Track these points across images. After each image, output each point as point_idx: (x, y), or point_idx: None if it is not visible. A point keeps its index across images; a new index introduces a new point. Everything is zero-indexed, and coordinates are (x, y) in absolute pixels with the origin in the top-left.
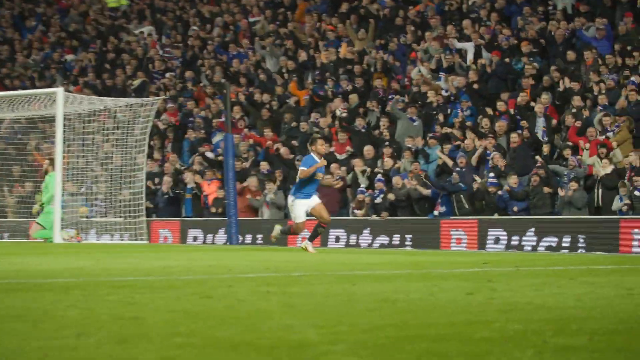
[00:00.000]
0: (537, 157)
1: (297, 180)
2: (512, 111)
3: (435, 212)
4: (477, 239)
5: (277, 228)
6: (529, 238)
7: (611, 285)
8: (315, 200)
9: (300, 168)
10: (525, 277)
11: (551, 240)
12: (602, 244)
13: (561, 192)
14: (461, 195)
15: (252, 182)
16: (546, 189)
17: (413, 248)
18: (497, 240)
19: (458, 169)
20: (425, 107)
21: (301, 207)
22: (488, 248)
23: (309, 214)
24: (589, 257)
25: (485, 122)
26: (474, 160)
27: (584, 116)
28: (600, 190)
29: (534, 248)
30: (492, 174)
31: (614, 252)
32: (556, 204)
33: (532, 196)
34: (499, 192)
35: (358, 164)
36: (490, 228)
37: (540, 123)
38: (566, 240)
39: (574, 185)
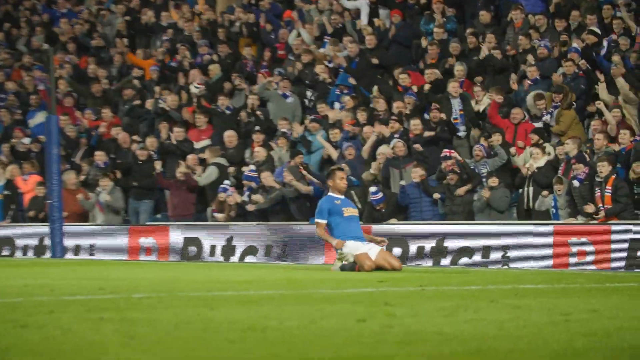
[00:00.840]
0: (449, 152)
1: (332, 233)
2: (416, 88)
3: None
4: None
5: (337, 265)
6: (440, 250)
7: (542, 309)
8: (374, 248)
9: (315, 221)
10: (433, 299)
11: (466, 252)
12: (531, 256)
13: (481, 194)
14: (352, 193)
15: (69, 178)
16: (461, 191)
17: (289, 262)
18: (399, 253)
19: (346, 160)
20: (305, 84)
21: (351, 244)
22: None
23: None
24: (514, 273)
25: (381, 103)
26: (365, 151)
27: (513, 91)
28: (530, 189)
29: (448, 262)
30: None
31: (546, 266)
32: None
33: (451, 200)
34: (401, 183)
35: (211, 155)
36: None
37: (456, 105)
38: (485, 252)
39: (493, 181)
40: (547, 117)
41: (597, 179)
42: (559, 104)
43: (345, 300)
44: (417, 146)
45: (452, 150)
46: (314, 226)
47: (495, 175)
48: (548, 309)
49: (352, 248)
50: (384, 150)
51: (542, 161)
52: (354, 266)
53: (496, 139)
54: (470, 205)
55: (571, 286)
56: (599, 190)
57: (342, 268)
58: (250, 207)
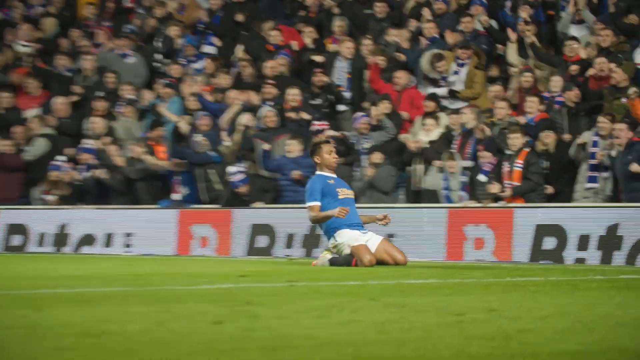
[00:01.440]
0: (321, 125)
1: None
2: (293, 45)
3: (175, 197)
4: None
5: (326, 257)
6: (314, 238)
7: (432, 308)
8: (374, 238)
9: (308, 205)
10: (303, 296)
11: None
12: (418, 246)
13: (362, 172)
14: (210, 172)
15: None
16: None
17: (136, 253)
18: (266, 242)
19: (197, 135)
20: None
21: (348, 233)
22: (253, 253)
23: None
24: (397, 265)
25: (247, 66)
26: (224, 121)
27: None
28: (420, 167)
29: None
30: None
31: (437, 258)
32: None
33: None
34: (263, 147)
35: (41, 125)
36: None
37: (343, 67)
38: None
39: (376, 157)
40: (454, 78)
41: (507, 152)
42: (466, 62)
43: (199, 299)
44: (303, 114)
45: (325, 123)
46: (307, 211)
47: (379, 151)
48: (438, 308)
49: (349, 238)
50: (246, 120)
51: (434, 134)
52: (350, 260)
53: (383, 107)
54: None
55: (466, 281)
56: (508, 165)
57: (333, 262)
58: (100, 173)
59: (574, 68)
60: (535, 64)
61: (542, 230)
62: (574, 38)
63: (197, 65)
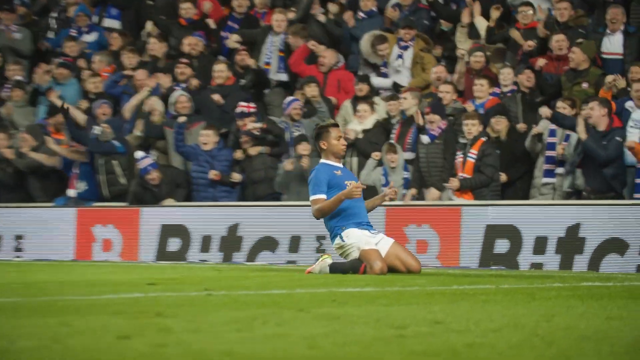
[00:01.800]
0: (248, 108)
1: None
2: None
3: (71, 193)
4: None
5: (326, 262)
6: (233, 241)
7: (369, 320)
8: (384, 241)
9: (313, 198)
10: (222, 307)
11: (268, 244)
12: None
13: (284, 165)
14: (117, 162)
15: None
16: (254, 151)
17: (27, 259)
18: (178, 245)
19: (97, 126)
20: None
21: (357, 234)
22: (163, 258)
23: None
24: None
25: (157, 43)
26: (127, 110)
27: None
28: (354, 159)
29: (244, 257)
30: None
31: None
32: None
33: (251, 171)
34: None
35: None
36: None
37: (274, 43)
38: (294, 243)
39: (304, 148)
40: (398, 63)
41: (462, 141)
42: (410, 44)
43: (103, 310)
44: (218, 97)
45: (252, 105)
46: (311, 205)
47: (306, 141)
48: (377, 320)
49: (359, 239)
50: (152, 104)
51: (369, 122)
52: (357, 266)
53: (310, 92)
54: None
55: (408, 289)
56: (461, 155)
57: (335, 268)
58: None
59: (529, 44)
60: (485, 45)
61: (493, 232)
62: (528, 4)
63: (90, 37)
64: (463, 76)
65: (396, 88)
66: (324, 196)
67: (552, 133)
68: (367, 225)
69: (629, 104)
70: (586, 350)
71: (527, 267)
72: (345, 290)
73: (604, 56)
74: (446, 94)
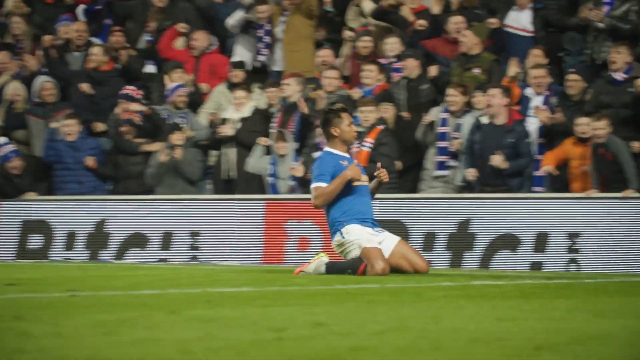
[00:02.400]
0: (136, 93)
1: (329, 209)
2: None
3: None
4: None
5: (322, 261)
6: (100, 237)
7: (245, 323)
8: (388, 239)
9: (314, 185)
10: (87, 309)
11: (138, 240)
12: (230, 246)
13: (158, 156)
14: None
15: None
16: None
17: None
18: (40, 242)
19: None
20: None
21: (358, 230)
22: (24, 256)
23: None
24: (208, 271)
25: (18, 21)
26: None
27: None
28: (232, 150)
29: (113, 255)
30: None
31: (254, 261)
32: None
33: (127, 165)
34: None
35: None
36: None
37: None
38: (166, 240)
39: (178, 137)
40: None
41: (358, 128)
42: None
43: None
44: (85, 87)
45: (138, 90)
46: (311, 194)
47: (180, 130)
48: (253, 323)
49: (361, 236)
50: (15, 91)
51: (247, 109)
52: (357, 265)
53: (176, 78)
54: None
55: (287, 289)
56: (357, 144)
57: (332, 267)
58: None
59: (420, 23)
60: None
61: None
62: None
63: None
64: (348, 60)
65: (276, 75)
66: (325, 185)
67: (444, 122)
68: (372, 223)
69: (528, 91)
70: (476, 354)
71: None
72: (220, 291)
73: (510, 30)
74: (330, 79)
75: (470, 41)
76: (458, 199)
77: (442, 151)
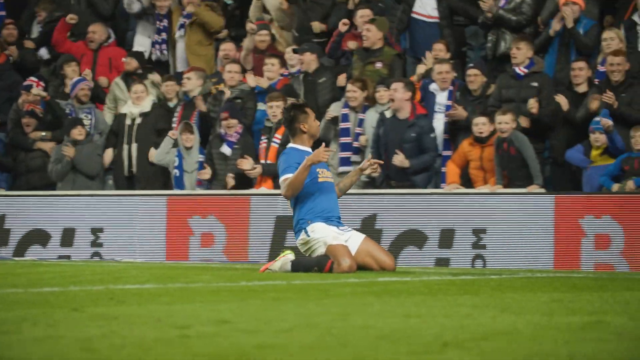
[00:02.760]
0: (37, 83)
1: (295, 207)
2: None
3: None
4: None
5: (288, 258)
6: None
7: (149, 320)
8: (354, 237)
9: (282, 178)
10: None
11: (39, 237)
12: (132, 243)
13: (63, 150)
14: None
15: None
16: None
17: None
18: None
19: None
20: None
21: (323, 228)
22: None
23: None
24: (109, 268)
25: None
26: None
27: None
28: (133, 146)
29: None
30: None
31: (157, 257)
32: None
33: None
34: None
35: None
36: None
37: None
38: (67, 237)
39: (79, 132)
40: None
41: (267, 124)
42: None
43: None
44: None
45: (38, 81)
46: (281, 186)
47: (80, 125)
48: (158, 320)
49: (326, 234)
50: None
51: (146, 104)
52: (323, 262)
53: (70, 72)
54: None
55: (191, 286)
56: (265, 140)
57: (298, 265)
58: None
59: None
60: (276, 15)
61: (285, 223)
62: None
63: None
64: (250, 53)
65: (178, 74)
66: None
67: (345, 118)
68: (337, 221)
69: (432, 87)
70: (383, 351)
71: None
72: (123, 288)
73: (415, 16)
74: (232, 74)
75: (374, 36)
76: (364, 194)
77: (345, 147)
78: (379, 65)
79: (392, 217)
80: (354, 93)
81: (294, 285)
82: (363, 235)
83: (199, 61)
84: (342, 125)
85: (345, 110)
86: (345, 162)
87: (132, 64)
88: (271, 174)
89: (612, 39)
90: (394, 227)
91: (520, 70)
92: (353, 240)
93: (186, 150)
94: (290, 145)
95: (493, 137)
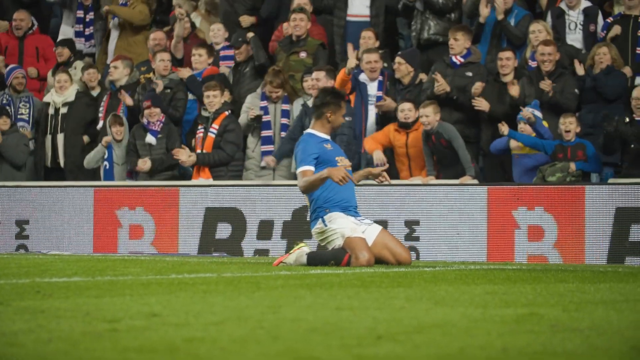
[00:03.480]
0: None
1: (312, 196)
2: None
3: None
4: None
5: (303, 251)
6: None
7: (77, 314)
8: (371, 229)
9: (301, 169)
10: None
11: None
12: (60, 235)
13: None
14: None
15: None
16: None
17: None
18: None
19: None
20: None
21: (341, 219)
22: None
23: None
24: (31, 260)
25: None
26: None
27: None
28: (60, 136)
29: None
30: None
31: (84, 250)
32: None
33: None
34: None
35: None
36: None
37: None
38: None
39: (2, 122)
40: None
41: (204, 114)
42: None
43: None
44: None
45: None
46: (298, 177)
47: (5, 115)
48: (86, 314)
49: (344, 225)
50: None
51: (70, 93)
52: (341, 256)
53: None
54: None
55: (120, 279)
56: (202, 130)
57: (314, 257)
58: None
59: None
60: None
61: (214, 215)
62: None
63: None
64: (180, 41)
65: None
66: (312, 168)
67: (265, 110)
68: (354, 211)
69: (362, 77)
70: (315, 344)
71: (251, 254)
72: (50, 281)
73: (350, 19)
74: (161, 62)
75: (304, 25)
76: (294, 186)
77: (266, 140)
78: (303, 54)
79: None
80: (273, 85)
81: (224, 277)
82: (380, 227)
83: (129, 52)
84: (264, 118)
85: (264, 103)
86: (268, 154)
87: (64, 54)
88: (207, 163)
89: (540, 31)
90: None
91: (457, 59)
92: (370, 231)
93: (116, 143)
94: (310, 130)
95: (418, 123)
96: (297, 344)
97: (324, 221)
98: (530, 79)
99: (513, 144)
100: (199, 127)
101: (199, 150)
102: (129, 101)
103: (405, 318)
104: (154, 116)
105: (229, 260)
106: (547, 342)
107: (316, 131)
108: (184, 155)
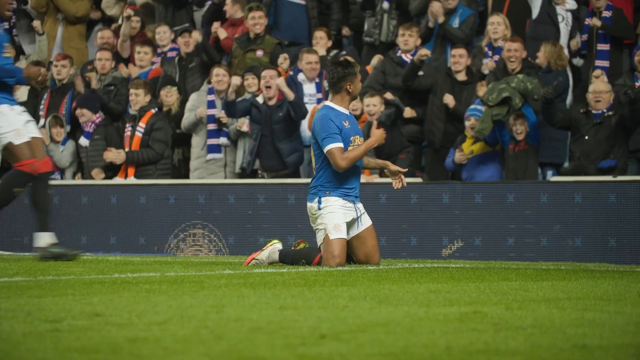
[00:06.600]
0: None
1: (319, 170)
2: None
3: None
4: None
5: (276, 247)
6: None
7: (19, 314)
8: (365, 218)
9: (333, 147)
10: None
11: None
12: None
13: None
14: None
15: None
16: None
17: None
18: None
19: None
20: None
21: (337, 211)
22: None
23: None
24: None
25: None
26: None
27: None
28: None
29: None
30: None
31: (26, 249)
32: None
33: None
34: None
35: None
36: None
37: None
38: None
39: None
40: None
41: (131, 112)
42: None
43: None
44: None
45: None
46: (330, 157)
47: None
48: (27, 314)
49: (332, 217)
50: None
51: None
52: (312, 255)
53: None
54: None
55: (63, 278)
56: (129, 128)
57: (284, 256)
58: None
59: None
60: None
61: (143, 211)
62: None
63: None
64: (127, 40)
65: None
66: (341, 145)
67: (212, 104)
68: (354, 197)
69: (300, 77)
70: (258, 343)
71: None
72: (10, 281)
73: None
74: (103, 61)
75: (261, 23)
76: (247, 184)
77: (212, 134)
78: (259, 53)
79: (269, 207)
80: (222, 78)
81: (167, 277)
82: (370, 223)
83: (72, 50)
84: (210, 112)
85: (212, 97)
86: (214, 149)
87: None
88: (135, 162)
89: (499, 23)
90: (272, 217)
91: (407, 57)
92: (364, 220)
93: (55, 145)
94: (328, 103)
95: (363, 116)
96: (241, 344)
97: (320, 202)
98: (495, 76)
99: (457, 157)
100: (127, 125)
101: (127, 149)
102: (81, 87)
103: (349, 317)
104: (83, 117)
105: (172, 260)
106: (490, 340)
107: (336, 105)
108: (112, 155)
